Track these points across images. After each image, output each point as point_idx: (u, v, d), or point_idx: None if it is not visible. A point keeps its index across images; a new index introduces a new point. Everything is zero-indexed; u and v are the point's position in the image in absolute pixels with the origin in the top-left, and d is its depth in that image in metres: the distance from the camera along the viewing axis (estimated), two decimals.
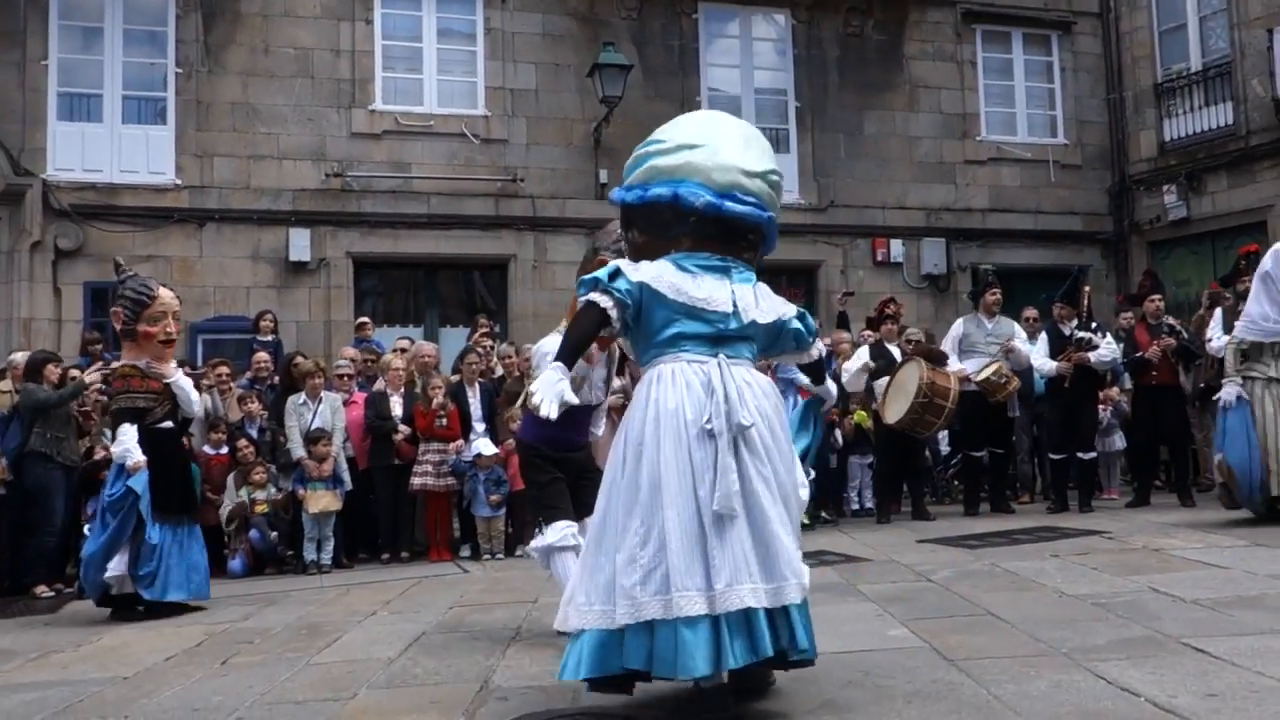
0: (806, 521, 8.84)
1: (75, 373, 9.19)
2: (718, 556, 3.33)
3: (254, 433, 8.87)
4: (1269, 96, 13.03)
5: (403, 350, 9.92)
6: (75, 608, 7.47)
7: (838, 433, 9.98)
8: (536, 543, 5.08)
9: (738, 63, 14.40)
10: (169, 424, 6.92)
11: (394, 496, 8.82)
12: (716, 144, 3.72)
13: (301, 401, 8.80)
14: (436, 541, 8.82)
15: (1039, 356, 9.52)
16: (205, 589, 6.98)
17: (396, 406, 9.04)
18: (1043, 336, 9.74)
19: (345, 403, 9.08)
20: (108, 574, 6.67)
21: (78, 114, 12.30)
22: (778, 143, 14.20)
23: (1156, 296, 9.82)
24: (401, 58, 13.24)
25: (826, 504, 9.69)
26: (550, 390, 3.44)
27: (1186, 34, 14.85)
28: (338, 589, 7.47)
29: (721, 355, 3.59)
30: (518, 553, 8.84)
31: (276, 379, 9.52)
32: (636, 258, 3.79)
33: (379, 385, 9.30)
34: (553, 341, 4.71)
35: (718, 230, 3.70)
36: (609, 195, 4.00)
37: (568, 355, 3.61)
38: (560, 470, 5.10)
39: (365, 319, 10.84)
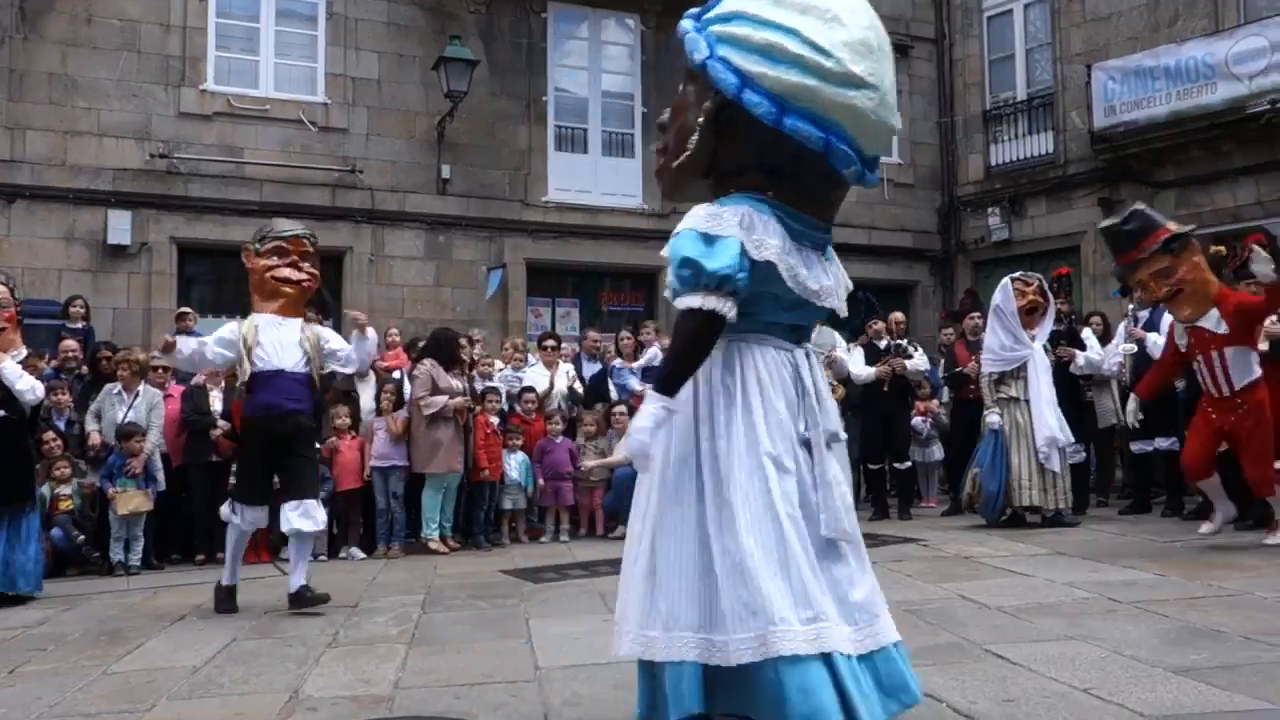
0: None
1: None
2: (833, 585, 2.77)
3: (61, 425, 8.35)
4: (1086, 128, 13.79)
5: None
6: None
7: None
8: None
9: (586, 64, 14.39)
10: (1, 412, 6.51)
11: (210, 495, 8.43)
12: (885, 86, 2.84)
13: (116, 391, 8.35)
14: (255, 542, 8.46)
15: (857, 364, 9.88)
16: (31, 583, 6.68)
17: (216, 401, 8.68)
18: (858, 349, 10.11)
19: (166, 397, 8.67)
20: None
21: None
22: (622, 147, 14.31)
23: (976, 314, 10.29)
24: (237, 37, 12.69)
25: None
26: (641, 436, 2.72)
27: (1014, 64, 15.60)
28: (145, 592, 7.11)
29: (806, 346, 3.04)
30: (341, 555, 8.62)
31: (85, 369, 9.00)
32: (684, 154, 2.94)
33: (197, 379, 8.88)
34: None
35: (828, 195, 2.96)
36: (679, 30, 2.97)
37: (676, 385, 2.78)
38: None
39: (187, 309, 10.33)
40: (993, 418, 8.64)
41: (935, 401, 10.85)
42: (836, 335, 10.26)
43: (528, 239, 13.70)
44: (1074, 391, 9.40)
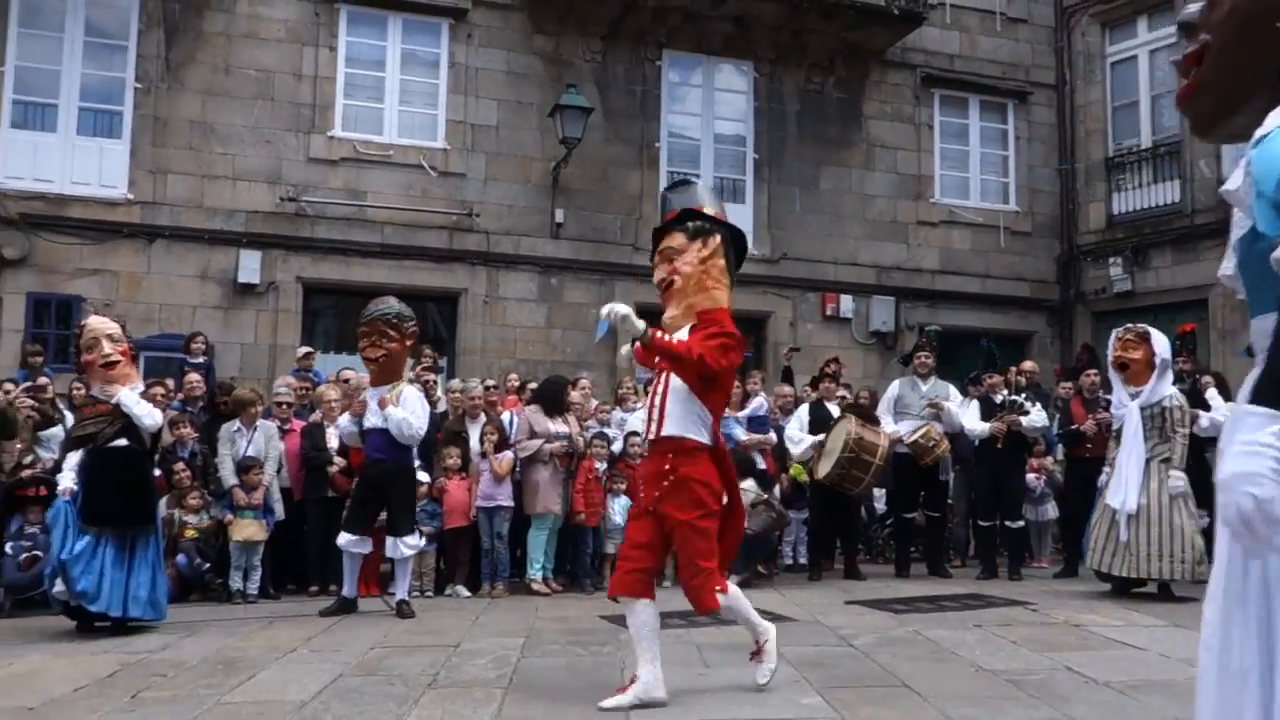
0: (746, 575, 8.93)
1: (9, 385, 9.10)
2: None
3: (186, 456, 8.75)
4: (1215, 177, 13.36)
5: (345, 380, 9.84)
6: None
7: (775, 488, 10.03)
8: None
9: (699, 111, 14.57)
10: (122, 442, 6.92)
11: (326, 529, 8.72)
12: None
13: (236, 428, 8.71)
14: (365, 576, 8.72)
15: (971, 419, 9.68)
16: (151, 609, 6.95)
17: (332, 438, 8.98)
18: (974, 403, 9.90)
19: (283, 432, 9.00)
20: (54, 590, 6.94)
21: (31, 122, 12.16)
22: (734, 193, 14.41)
23: (1093, 371, 10.01)
24: (364, 86, 13.25)
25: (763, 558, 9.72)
26: None
27: (1139, 111, 15.25)
28: (260, 621, 7.37)
29: None
30: (446, 591, 8.80)
31: (206, 403, 9.43)
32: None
33: (316, 416, 9.22)
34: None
35: None
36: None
37: None
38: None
39: (308, 349, 10.76)
40: (1102, 476, 8.39)
41: (1050, 459, 10.58)
42: (951, 388, 10.10)
43: (638, 283, 13.84)
44: (1198, 454, 9.02)
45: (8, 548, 8.04)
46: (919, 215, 15.20)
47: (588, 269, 13.66)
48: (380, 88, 13.31)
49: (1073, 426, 9.65)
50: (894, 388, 10.17)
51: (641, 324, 4.80)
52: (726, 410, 10.02)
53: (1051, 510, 10.58)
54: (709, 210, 5.12)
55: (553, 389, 9.34)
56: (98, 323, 7.08)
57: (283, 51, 12.87)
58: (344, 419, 8.01)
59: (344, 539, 7.65)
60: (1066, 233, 15.80)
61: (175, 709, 4.73)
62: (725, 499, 5.00)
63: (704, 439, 4.92)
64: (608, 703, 4.64)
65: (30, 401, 8.77)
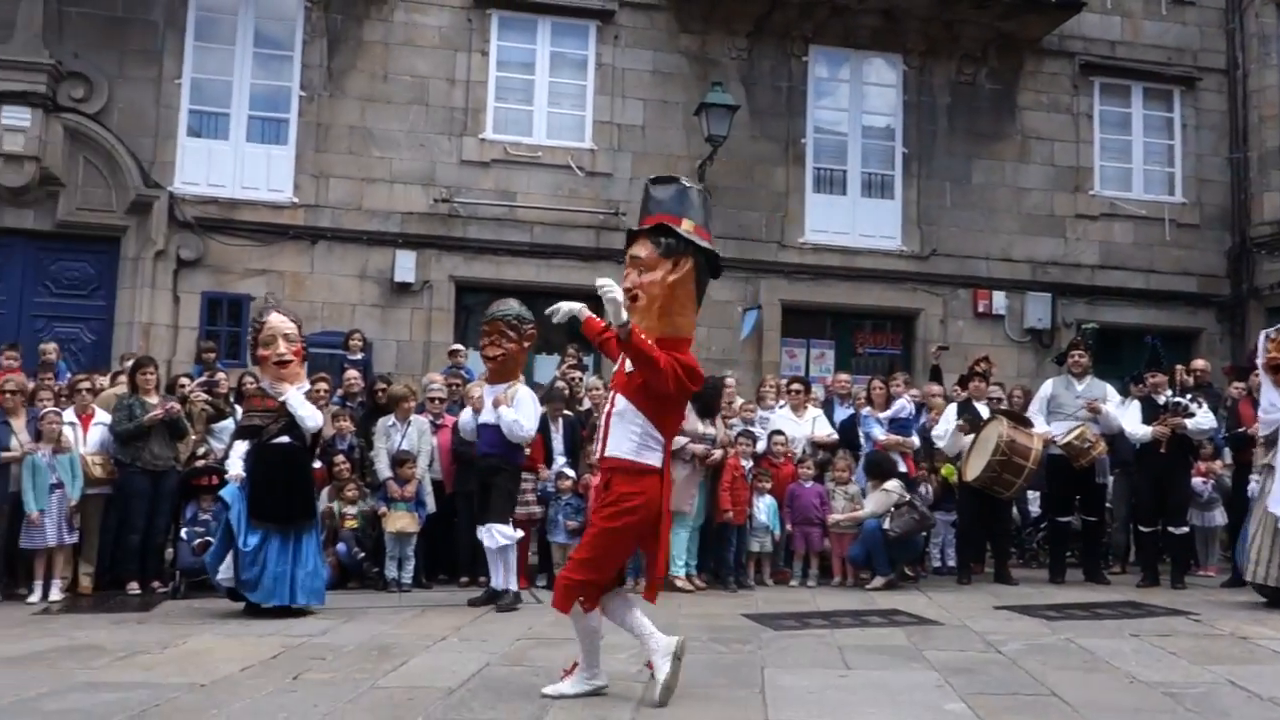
0: (891, 577, 8.81)
1: (185, 380, 9.67)
2: None
3: (345, 449, 9.14)
4: None
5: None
6: (168, 607, 7.84)
7: (924, 487, 9.85)
8: None
9: (846, 106, 14.38)
10: (285, 439, 7.30)
11: (472, 521, 8.98)
12: None
13: (391, 423, 9.04)
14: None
15: (1131, 421, 9.27)
16: (309, 596, 7.30)
17: None
18: (1135, 404, 9.49)
19: (436, 426, 9.30)
20: (219, 576, 7.34)
21: (206, 131, 12.89)
22: (882, 188, 14.19)
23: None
24: (513, 89, 13.57)
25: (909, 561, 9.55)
26: None
27: None
28: (414, 609, 7.64)
29: None
30: None
31: (364, 398, 9.81)
32: None
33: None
34: None
35: None
36: None
37: None
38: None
39: (459, 346, 11.09)
40: (1251, 484, 7.94)
41: (1219, 462, 10.07)
42: (1109, 388, 9.70)
43: (784, 280, 13.81)
44: None
45: (183, 533, 8.57)
46: (1077, 208, 14.65)
47: (732, 266, 13.52)
48: (529, 90, 13.60)
49: (1240, 429, 9.17)
50: (1047, 387, 9.83)
51: (625, 315, 4.53)
52: (868, 410, 9.93)
53: (1219, 516, 10.07)
54: (689, 224, 4.73)
55: (708, 391, 9.26)
56: (278, 321, 7.42)
57: (437, 57, 13.29)
58: (465, 414, 8.18)
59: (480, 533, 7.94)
60: (1238, 224, 14.97)
61: (333, 691, 4.96)
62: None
63: (652, 462, 4.69)
64: (550, 689, 4.77)
65: (205, 395, 9.30)
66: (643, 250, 4.73)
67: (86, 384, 8.99)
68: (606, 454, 4.75)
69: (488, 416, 7.86)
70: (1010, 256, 14.39)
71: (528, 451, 8.20)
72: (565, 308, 4.82)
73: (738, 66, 13.92)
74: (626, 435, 4.65)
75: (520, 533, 8.15)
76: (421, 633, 6.62)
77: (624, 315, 4.50)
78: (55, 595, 8.17)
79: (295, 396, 7.34)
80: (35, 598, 8.12)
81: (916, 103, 14.35)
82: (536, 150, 13.39)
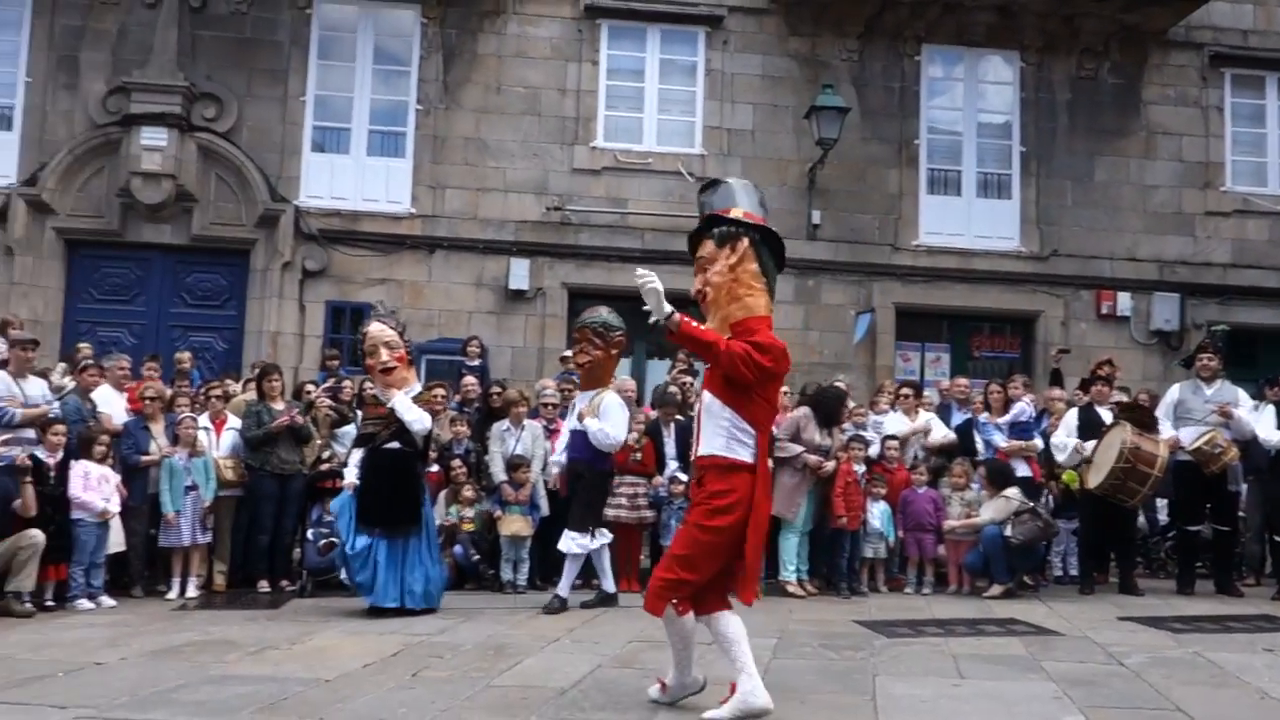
0: (1010, 585, 8.62)
1: (310, 387, 10.02)
2: None
3: (461, 453, 9.35)
4: None
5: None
6: (295, 604, 8.16)
7: (1045, 494, 9.61)
8: None
9: (960, 105, 14.13)
10: (396, 445, 7.50)
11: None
12: None
13: (505, 428, 9.22)
14: (626, 572, 9.04)
15: (1266, 427, 8.88)
16: (424, 601, 7.50)
17: None
18: (1270, 408, 9.09)
19: (549, 432, 9.45)
20: (343, 576, 7.62)
21: (329, 146, 13.36)
22: (999, 188, 13.91)
23: None
24: (623, 96, 13.70)
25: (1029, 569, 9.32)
26: None
27: None
28: (528, 611, 7.78)
29: None
30: None
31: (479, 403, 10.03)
32: None
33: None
34: None
35: None
36: None
37: None
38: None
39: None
40: None
41: None
42: (1240, 392, 9.32)
43: (897, 283, 13.63)
44: None
45: (309, 534, 8.90)
46: (1207, 205, 14.09)
47: (845, 270, 13.55)
48: (639, 98, 13.71)
49: None
50: (1174, 392, 9.48)
51: (669, 306, 4.47)
52: (985, 415, 9.73)
53: None
54: (738, 211, 4.77)
55: (830, 402, 9.17)
56: (377, 330, 7.68)
57: (548, 68, 13.51)
58: (571, 420, 8.33)
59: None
60: None
61: (451, 688, 5.11)
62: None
63: (743, 457, 4.54)
64: (709, 715, 4.47)
65: (329, 401, 9.64)
66: (704, 249, 4.77)
67: (218, 391, 9.42)
68: (699, 452, 4.69)
69: (575, 422, 8.07)
70: (1135, 256, 13.92)
71: (638, 455, 8.31)
72: (647, 285, 4.55)
73: (848, 68, 13.79)
74: (715, 431, 4.57)
75: (599, 540, 8.07)
76: (536, 633, 6.76)
77: (666, 306, 4.46)
78: (191, 592, 8.60)
79: (401, 401, 7.55)
80: (173, 594, 8.55)
81: (1035, 100, 14.01)
82: (647, 157, 13.50)
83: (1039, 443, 9.56)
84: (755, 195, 4.97)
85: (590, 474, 8.01)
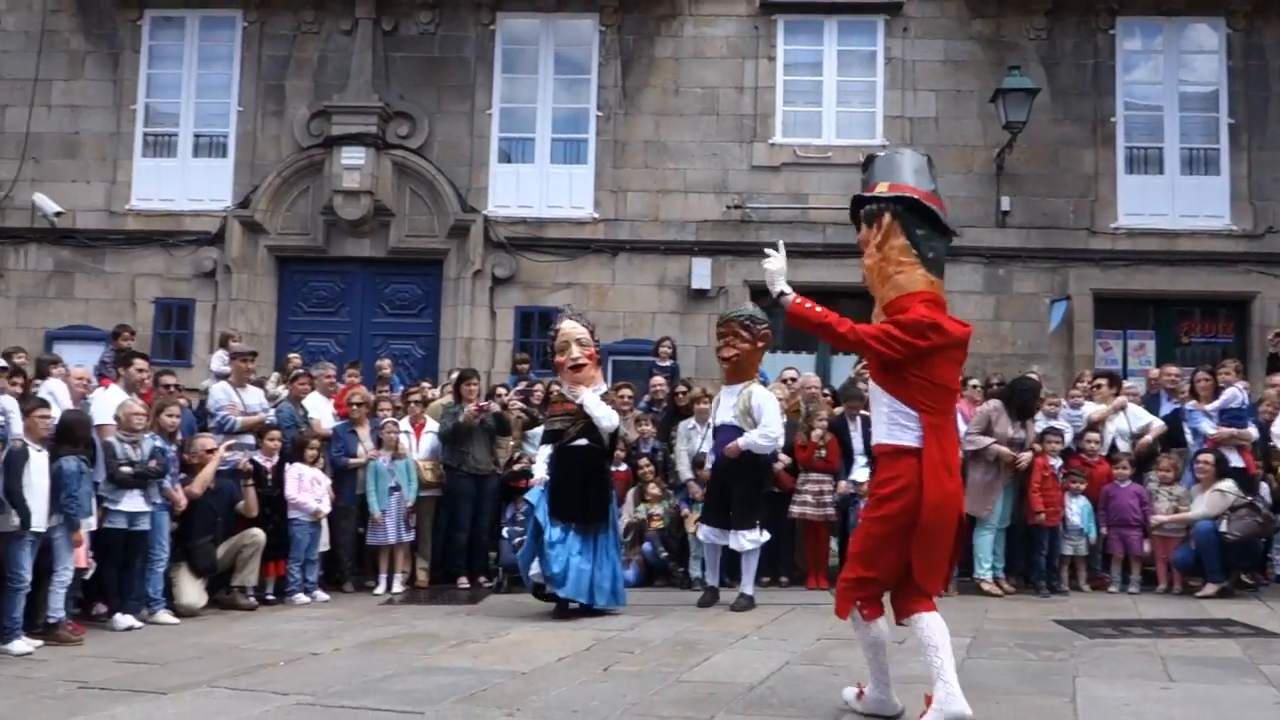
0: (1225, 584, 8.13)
1: (501, 390, 10.38)
2: None
3: (648, 452, 9.49)
4: None
5: (790, 380, 10.16)
6: (492, 601, 8.48)
7: (1264, 487, 9.00)
8: None
9: (1160, 79, 13.37)
10: (583, 441, 7.66)
11: (773, 523, 9.08)
12: None
13: (691, 426, 9.31)
14: (814, 569, 8.99)
15: None
16: (613, 599, 7.58)
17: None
18: None
19: None
20: (531, 573, 7.69)
21: (514, 156, 13.80)
22: (1205, 163, 13.12)
23: None
24: (801, 91, 13.58)
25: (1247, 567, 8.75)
26: None
27: None
28: (718, 607, 7.84)
29: None
30: None
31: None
32: None
33: None
34: None
35: None
36: None
37: None
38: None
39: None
40: None
41: None
42: None
43: (1095, 268, 13.03)
44: None
45: (504, 532, 9.23)
46: None
47: (1037, 257, 13.05)
48: (817, 91, 13.58)
49: None
50: None
51: (781, 285, 4.39)
52: (1192, 404, 9.19)
53: None
54: (882, 186, 4.51)
55: (1024, 393, 8.88)
56: (569, 327, 7.87)
57: (725, 67, 13.55)
58: (723, 414, 8.21)
59: (702, 531, 8.14)
60: None
61: (641, 682, 5.22)
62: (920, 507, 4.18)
63: (907, 441, 4.25)
64: None
65: (520, 404, 9.97)
66: (860, 233, 4.63)
67: (416, 395, 9.88)
68: (873, 443, 4.53)
69: (725, 417, 7.98)
70: None
71: (822, 452, 8.22)
72: (767, 266, 4.63)
73: (1036, 47, 13.27)
74: (880, 418, 4.40)
75: (766, 535, 8.09)
76: (724, 630, 6.81)
77: (778, 286, 4.45)
78: (397, 588, 9.06)
79: (590, 398, 7.70)
80: (380, 589, 9.05)
81: (1244, 68, 13.12)
82: (826, 150, 13.35)
83: (1253, 431, 8.96)
84: (910, 163, 4.69)
85: (748, 469, 7.94)
